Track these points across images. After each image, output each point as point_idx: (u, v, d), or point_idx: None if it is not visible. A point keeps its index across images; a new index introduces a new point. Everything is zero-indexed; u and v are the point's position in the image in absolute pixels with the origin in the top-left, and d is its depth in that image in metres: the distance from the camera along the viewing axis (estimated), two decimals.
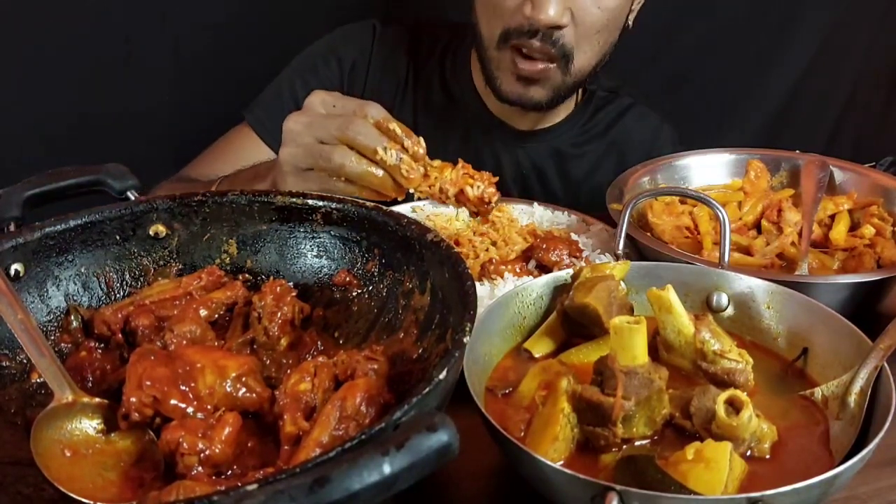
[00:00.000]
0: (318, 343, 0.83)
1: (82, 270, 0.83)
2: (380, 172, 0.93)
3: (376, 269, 0.85)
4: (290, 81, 1.41)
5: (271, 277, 0.87)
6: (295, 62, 1.44)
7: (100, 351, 0.80)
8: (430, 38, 1.46)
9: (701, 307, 0.87)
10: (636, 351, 0.71)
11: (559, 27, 1.19)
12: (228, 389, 0.70)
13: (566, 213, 1.16)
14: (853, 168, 1.22)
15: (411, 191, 0.96)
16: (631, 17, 1.34)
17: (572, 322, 0.82)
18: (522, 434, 0.71)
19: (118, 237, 0.85)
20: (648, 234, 1.08)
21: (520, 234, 1.08)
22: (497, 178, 0.97)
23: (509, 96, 1.29)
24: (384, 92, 1.42)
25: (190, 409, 0.68)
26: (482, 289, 0.95)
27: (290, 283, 0.84)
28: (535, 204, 1.18)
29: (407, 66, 1.45)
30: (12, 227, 0.83)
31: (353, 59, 1.43)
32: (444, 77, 1.44)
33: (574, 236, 1.08)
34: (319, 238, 0.88)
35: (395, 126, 0.94)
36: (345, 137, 0.93)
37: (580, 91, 1.44)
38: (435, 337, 0.75)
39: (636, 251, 1.04)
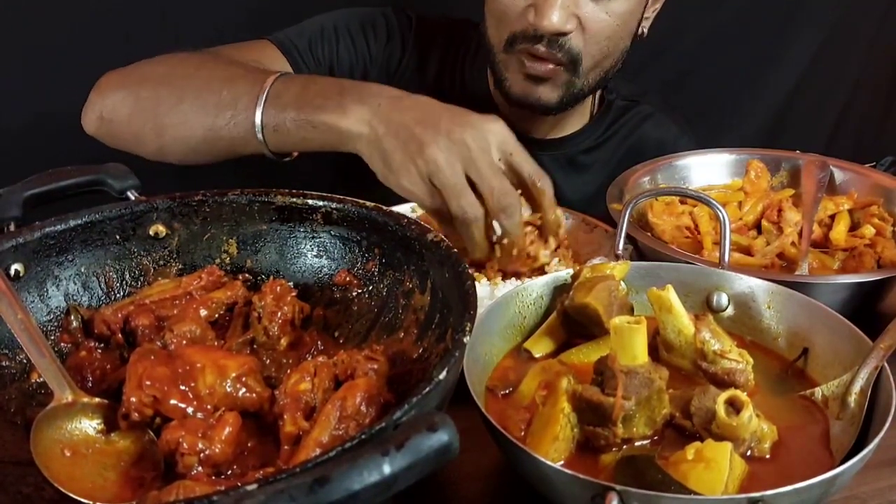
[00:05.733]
0: (318, 343, 0.83)
1: (82, 270, 0.83)
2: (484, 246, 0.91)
3: (376, 269, 0.85)
4: (329, 29, 1.34)
5: (271, 277, 0.87)
6: (339, 14, 1.37)
7: (100, 351, 0.80)
8: (460, 39, 1.43)
9: (701, 307, 0.87)
10: (636, 351, 0.71)
11: (564, 33, 1.17)
12: (228, 389, 0.70)
13: (566, 213, 1.16)
14: (853, 168, 1.21)
15: None
16: (646, 25, 1.31)
17: (572, 322, 0.82)
18: (522, 434, 0.71)
19: (118, 237, 0.85)
20: (648, 234, 1.08)
21: None
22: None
23: (518, 96, 1.26)
24: (409, 89, 1.40)
25: (190, 409, 0.68)
26: (482, 289, 0.95)
27: (290, 283, 0.84)
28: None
29: (437, 67, 1.41)
30: (12, 227, 0.83)
31: (395, 44, 1.39)
32: (464, 82, 1.41)
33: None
34: (319, 238, 0.88)
35: (554, 216, 0.95)
36: (490, 197, 0.88)
37: (598, 101, 1.42)
38: (435, 337, 0.75)
39: (636, 251, 1.04)
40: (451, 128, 0.89)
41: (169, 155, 1.13)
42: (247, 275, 0.88)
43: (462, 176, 0.88)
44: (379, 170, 0.93)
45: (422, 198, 0.91)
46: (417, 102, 0.96)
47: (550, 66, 1.20)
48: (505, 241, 0.91)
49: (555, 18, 1.14)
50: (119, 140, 1.16)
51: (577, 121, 1.42)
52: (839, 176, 1.21)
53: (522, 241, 0.93)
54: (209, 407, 0.69)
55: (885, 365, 0.72)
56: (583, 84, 1.25)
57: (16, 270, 0.79)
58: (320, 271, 0.88)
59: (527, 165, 0.92)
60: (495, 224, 0.90)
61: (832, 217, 1.14)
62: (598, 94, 1.42)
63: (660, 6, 1.33)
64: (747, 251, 1.08)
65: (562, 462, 0.68)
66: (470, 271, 0.73)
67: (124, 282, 0.85)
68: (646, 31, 1.33)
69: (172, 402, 0.68)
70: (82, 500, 0.64)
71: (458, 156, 0.88)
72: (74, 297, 0.82)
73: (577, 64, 1.21)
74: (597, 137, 1.44)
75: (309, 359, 0.77)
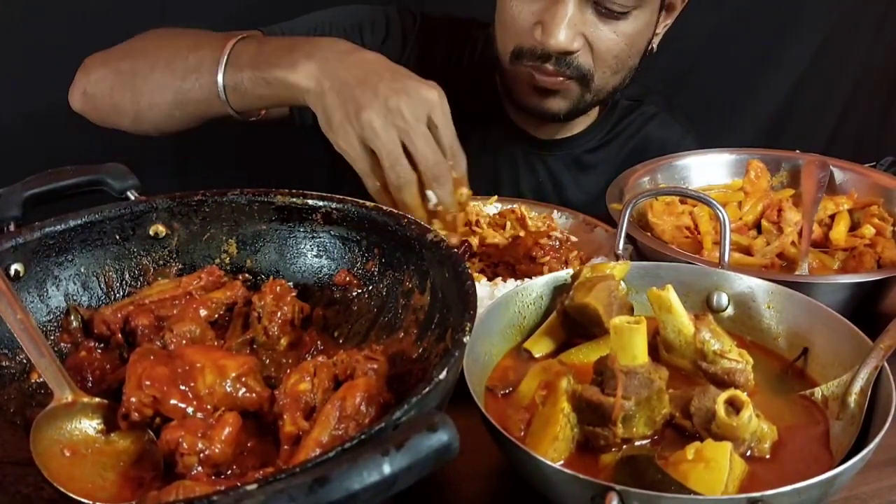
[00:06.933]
0: (318, 343, 0.83)
1: (82, 270, 0.83)
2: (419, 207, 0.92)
3: (376, 269, 0.85)
4: (323, 25, 1.35)
5: (271, 277, 0.87)
6: (337, 11, 1.38)
7: (99, 351, 0.80)
8: (465, 38, 1.43)
9: (701, 307, 0.87)
10: (636, 351, 0.71)
11: (570, 52, 1.17)
12: (228, 389, 0.70)
13: (567, 214, 1.16)
14: (853, 168, 1.21)
15: None
16: (655, 41, 1.31)
17: (572, 322, 0.82)
18: (522, 434, 0.71)
19: (118, 237, 0.85)
20: (648, 234, 1.08)
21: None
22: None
23: (527, 107, 1.27)
24: None
25: (190, 409, 0.68)
26: (482, 289, 0.95)
27: (290, 283, 0.84)
28: (535, 204, 1.18)
29: (441, 65, 1.41)
30: (12, 227, 0.83)
31: (394, 42, 1.39)
32: (470, 81, 1.41)
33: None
34: (319, 238, 0.88)
35: (464, 191, 0.94)
36: (425, 168, 0.90)
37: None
38: (435, 337, 0.75)
39: (636, 251, 1.04)
40: (388, 94, 0.91)
41: (145, 122, 1.15)
42: (247, 275, 0.88)
43: (398, 143, 0.90)
44: (322, 123, 0.95)
45: (355, 158, 0.93)
46: (362, 60, 0.97)
47: (560, 79, 1.21)
48: (440, 208, 0.93)
49: (562, 37, 1.14)
50: (101, 113, 1.19)
51: (582, 121, 1.42)
52: (839, 176, 1.21)
53: (457, 208, 0.94)
54: (209, 407, 0.69)
55: (885, 365, 0.72)
56: (592, 98, 1.26)
57: (16, 270, 0.79)
58: (320, 271, 0.88)
59: (445, 140, 0.93)
60: (429, 193, 0.92)
61: (832, 217, 1.14)
62: None
63: (671, 21, 1.33)
64: (747, 251, 1.08)
65: (562, 462, 0.68)
66: (469, 271, 0.73)
67: (124, 282, 0.85)
68: (655, 46, 1.33)
69: (172, 402, 0.68)
70: (82, 500, 0.64)
71: (393, 124, 0.90)
72: (74, 297, 0.82)
73: (589, 80, 1.22)
74: (602, 137, 1.45)
75: (309, 359, 0.77)
